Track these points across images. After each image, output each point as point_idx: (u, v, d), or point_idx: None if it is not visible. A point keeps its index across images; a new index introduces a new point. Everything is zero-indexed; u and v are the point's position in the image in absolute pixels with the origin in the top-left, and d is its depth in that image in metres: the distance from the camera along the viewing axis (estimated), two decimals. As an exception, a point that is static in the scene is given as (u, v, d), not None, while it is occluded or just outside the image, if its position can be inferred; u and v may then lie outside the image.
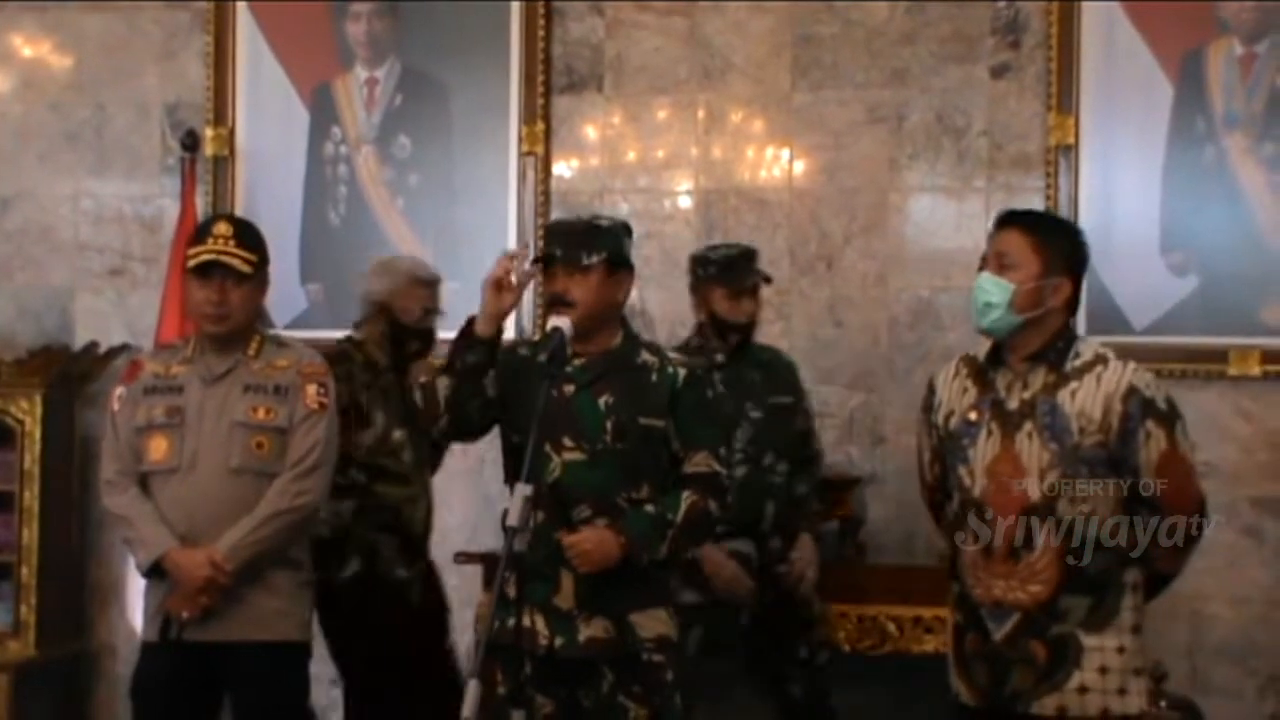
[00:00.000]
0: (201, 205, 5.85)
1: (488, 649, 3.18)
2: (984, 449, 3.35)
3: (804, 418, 4.79)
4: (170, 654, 3.89)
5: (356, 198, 5.87)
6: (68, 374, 5.89)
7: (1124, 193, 5.28)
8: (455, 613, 4.94)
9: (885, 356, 5.46)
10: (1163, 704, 4.34)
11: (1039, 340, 3.35)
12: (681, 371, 3.59)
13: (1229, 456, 5.15)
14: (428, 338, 4.75)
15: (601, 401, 3.51)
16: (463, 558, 5.16)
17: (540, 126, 5.67)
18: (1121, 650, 3.31)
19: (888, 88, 5.47)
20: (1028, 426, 3.32)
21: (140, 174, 6.06)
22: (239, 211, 5.63)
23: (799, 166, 5.56)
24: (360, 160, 5.87)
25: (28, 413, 5.75)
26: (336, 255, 5.84)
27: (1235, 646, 5.20)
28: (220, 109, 5.93)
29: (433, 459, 4.86)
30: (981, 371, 3.43)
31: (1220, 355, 5.18)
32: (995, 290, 3.33)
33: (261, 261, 4.02)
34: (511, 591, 3.25)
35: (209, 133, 5.92)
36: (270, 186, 5.92)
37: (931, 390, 3.53)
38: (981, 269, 3.41)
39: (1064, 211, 5.14)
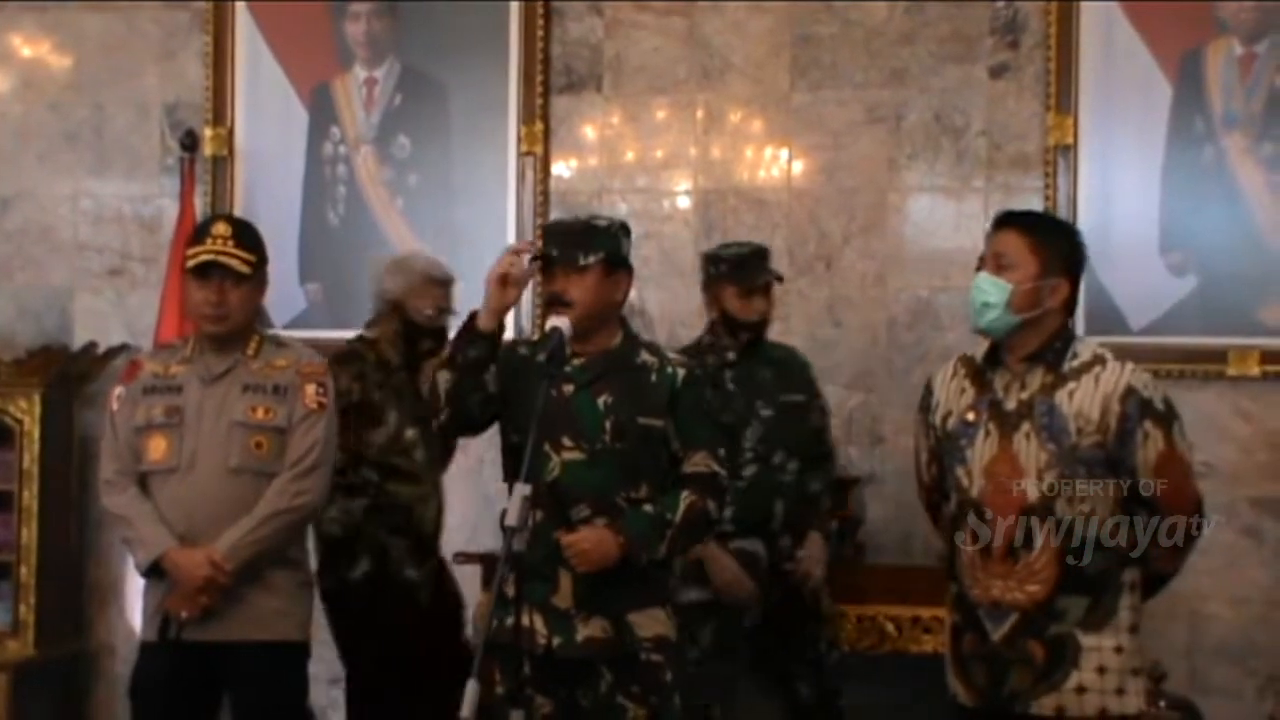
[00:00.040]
0: (200, 205, 5.85)
1: (486, 648, 3.18)
2: (982, 449, 3.35)
3: (819, 415, 4.79)
4: (169, 654, 3.88)
5: (355, 198, 5.87)
6: (67, 374, 5.89)
7: (1123, 193, 5.28)
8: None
9: (884, 356, 5.46)
10: (1162, 704, 4.35)
11: (1037, 341, 3.35)
12: (681, 372, 3.59)
13: (1228, 457, 5.15)
14: (441, 337, 4.73)
15: (601, 401, 3.51)
16: (462, 558, 5.16)
17: (539, 126, 5.67)
18: (1119, 650, 3.31)
19: (886, 88, 5.47)
20: (1025, 427, 3.31)
21: (139, 174, 6.05)
22: (238, 211, 5.64)
23: (798, 166, 5.56)
24: (359, 160, 5.87)
25: (27, 412, 5.75)
26: (335, 255, 5.84)
27: (1234, 647, 5.19)
28: (219, 109, 5.93)
29: (444, 457, 4.87)
30: (979, 372, 3.42)
31: (1219, 355, 5.18)
32: (993, 290, 3.33)
33: (260, 261, 4.02)
34: (510, 591, 3.25)
35: (208, 133, 5.92)
36: (269, 186, 5.92)
37: (929, 391, 3.53)
38: (979, 269, 3.41)
39: (1063, 212, 5.14)
